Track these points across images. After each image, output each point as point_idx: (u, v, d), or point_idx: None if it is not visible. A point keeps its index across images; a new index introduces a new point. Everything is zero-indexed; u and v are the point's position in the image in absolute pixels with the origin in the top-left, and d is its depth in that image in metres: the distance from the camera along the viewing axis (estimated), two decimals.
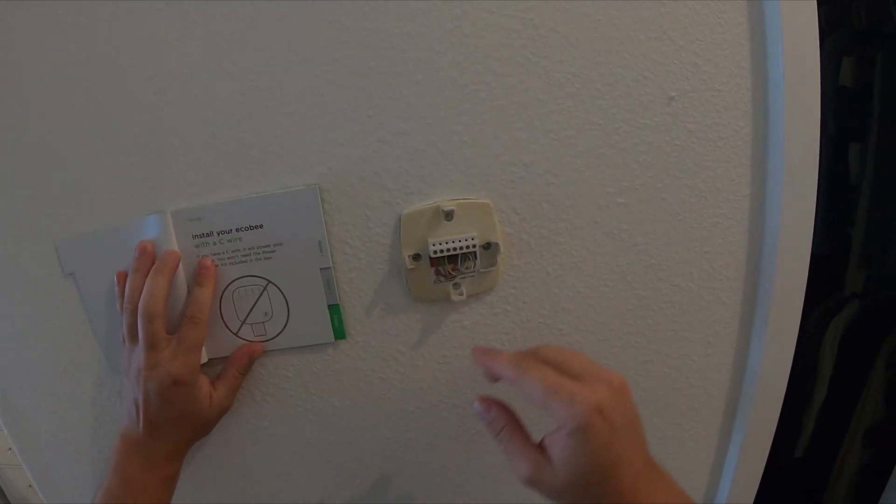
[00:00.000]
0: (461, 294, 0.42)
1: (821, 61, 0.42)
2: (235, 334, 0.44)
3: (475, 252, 0.41)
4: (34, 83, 0.40)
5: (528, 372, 0.35)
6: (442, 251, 0.40)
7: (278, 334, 0.44)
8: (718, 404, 0.54)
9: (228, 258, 0.42)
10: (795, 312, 0.50)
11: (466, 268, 0.41)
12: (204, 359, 0.43)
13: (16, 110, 0.40)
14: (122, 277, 0.43)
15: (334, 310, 0.43)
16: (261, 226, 0.41)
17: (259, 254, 0.41)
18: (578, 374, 0.35)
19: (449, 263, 0.41)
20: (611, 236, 0.45)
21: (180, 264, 0.42)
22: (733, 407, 0.55)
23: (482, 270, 0.42)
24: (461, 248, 0.40)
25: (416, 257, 0.41)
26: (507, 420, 0.37)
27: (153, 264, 0.41)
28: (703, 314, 0.50)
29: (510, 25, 0.40)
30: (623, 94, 0.43)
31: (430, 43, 0.40)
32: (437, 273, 0.42)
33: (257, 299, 0.43)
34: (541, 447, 0.35)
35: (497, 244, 0.41)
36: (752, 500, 0.58)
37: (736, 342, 0.52)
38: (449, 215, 0.40)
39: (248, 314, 0.43)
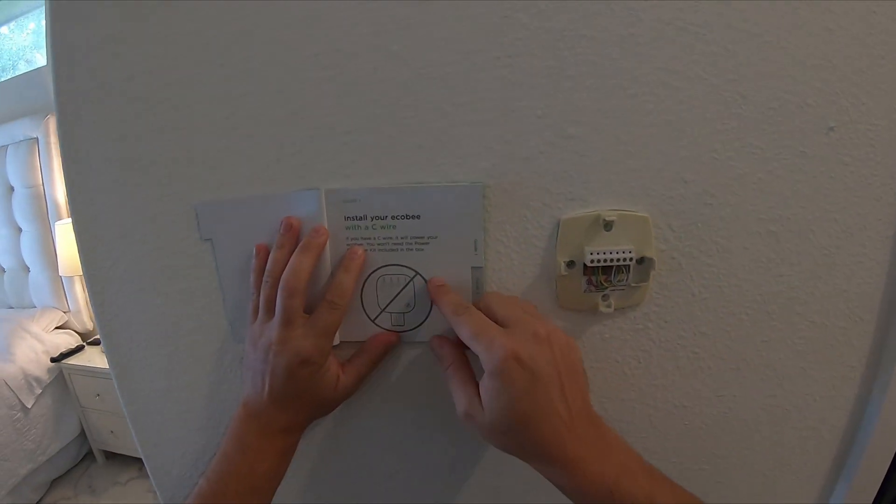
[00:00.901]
0: (609, 306, 0.40)
1: None
2: (373, 321, 0.43)
3: (629, 265, 0.40)
4: (196, 48, 0.40)
5: (461, 315, 0.37)
6: (599, 261, 0.39)
7: (417, 327, 0.43)
8: (830, 450, 0.52)
9: (379, 245, 0.41)
10: None
11: (619, 280, 0.40)
12: (336, 341, 0.42)
13: (172, 71, 0.41)
14: (262, 250, 0.43)
15: None
16: (418, 216, 0.40)
17: (411, 244, 0.41)
18: (507, 322, 0.36)
19: (602, 274, 0.40)
20: (758, 264, 0.44)
21: (327, 244, 0.41)
22: (843, 454, 0.53)
23: (633, 285, 0.41)
24: (618, 259, 0.39)
25: (570, 264, 0.40)
26: (455, 357, 0.39)
27: (298, 241, 0.41)
28: (833, 354, 0.48)
29: (683, 39, 0.39)
30: (785, 120, 0.41)
31: (604, 48, 0.39)
32: (589, 282, 0.41)
33: (401, 289, 0.42)
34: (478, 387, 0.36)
35: (652, 260, 0.40)
36: None
37: (858, 389, 0.50)
38: (608, 225, 0.39)
39: (390, 303, 0.43)
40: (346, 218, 0.41)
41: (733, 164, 0.41)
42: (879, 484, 0.53)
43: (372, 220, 0.40)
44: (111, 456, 2.30)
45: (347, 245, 0.41)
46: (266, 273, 0.41)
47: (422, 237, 0.40)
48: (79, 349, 2.19)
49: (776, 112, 0.41)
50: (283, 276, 0.40)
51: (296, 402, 0.42)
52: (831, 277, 0.45)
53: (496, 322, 0.36)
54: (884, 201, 0.44)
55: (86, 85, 0.42)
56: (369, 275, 0.42)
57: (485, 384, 0.34)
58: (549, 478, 0.35)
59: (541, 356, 0.34)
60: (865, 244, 0.45)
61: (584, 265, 0.40)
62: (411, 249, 0.41)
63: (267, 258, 0.42)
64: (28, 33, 2.51)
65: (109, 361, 0.50)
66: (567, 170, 0.40)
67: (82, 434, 2.23)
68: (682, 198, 0.41)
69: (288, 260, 0.40)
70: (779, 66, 0.40)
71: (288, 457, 0.44)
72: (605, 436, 0.35)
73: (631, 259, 0.39)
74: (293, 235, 0.41)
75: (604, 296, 0.41)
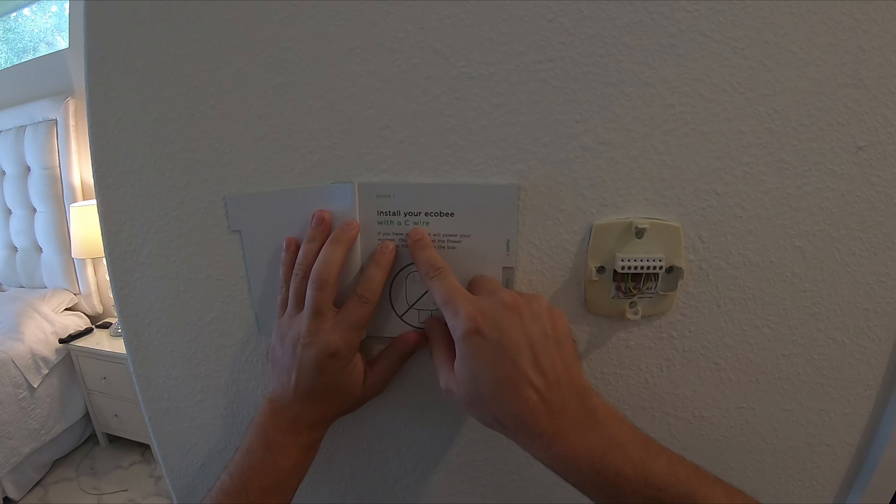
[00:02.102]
0: (636, 313, 0.41)
1: None
2: (400, 317, 0.44)
3: (659, 274, 0.40)
4: (235, 34, 0.40)
5: (433, 278, 0.37)
6: (629, 268, 0.39)
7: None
8: (841, 467, 0.52)
9: None
10: None
11: (647, 288, 0.40)
12: (362, 335, 0.43)
13: (209, 57, 0.41)
14: (292, 244, 0.43)
15: None
16: (452, 214, 0.40)
17: (444, 242, 0.41)
18: (479, 290, 0.36)
19: (632, 281, 0.40)
20: (782, 278, 0.44)
21: (358, 238, 0.41)
22: (854, 473, 0.53)
23: (661, 293, 0.41)
24: (648, 267, 0.40)
25: (601, 270, 0.41)
26: (439, 333, 0.39)
27: (329, 235, 0.41)
28: (850, 372, 0.48)
29: (721, 52, 0.39)
30: (816, 137, 0.42)
31: (645, 57, 0.39)
32: (618, 289, 0.41)
33: None
34: None
35: (681, 269, 0.40)
36: None
37: (872, 407, 0.50)
38: (640, 233, 0.40)
39: (418, 300, 0.43)
40: (379, 213, 0.41)
41: (764, 178, 0.42)
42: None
43: (405, 215, 0.41)
44: (114, 439, 2.32)
45: (379, 240, 0.42)
46: (296, 265, 0.41)
47: (454, 235, 0.41)
48: (87, 331, 2.21)
49: (807, 129, 0.41)
50: (314, 268, 0.40)
51: (322, 398, 0.42)
52: (853, 295, 0.46)
53: (470, 290, 0.36)
54: None
55: (118, 66, 0.42)
56: (399, 271, 0.42)
57: (456, 355, 0.34)
58: (532, 453, 0.33)
59: (508, 324, 0.33)
60: (888, 264, 0.45)
61: (615, 271, 0.40)
62: (443, 247, 0.41)
63: (297, 251, 0.42)
64: (50, 15, 2.53)
65: (127, 346, 0.50)
66: (602, 175, 0.40)
67: (86, 416, 2.25)
68: (713, 209, 0.42)
69: (318, 253, 0.41)
70: (812, 83, 0.40)
71: (312, 453, 0.44)
72: (592, 408, 0.33)
73: (661, 267, 0.40)
74: (325, 229, 0.41)
75: (631, 303, 0.41)
